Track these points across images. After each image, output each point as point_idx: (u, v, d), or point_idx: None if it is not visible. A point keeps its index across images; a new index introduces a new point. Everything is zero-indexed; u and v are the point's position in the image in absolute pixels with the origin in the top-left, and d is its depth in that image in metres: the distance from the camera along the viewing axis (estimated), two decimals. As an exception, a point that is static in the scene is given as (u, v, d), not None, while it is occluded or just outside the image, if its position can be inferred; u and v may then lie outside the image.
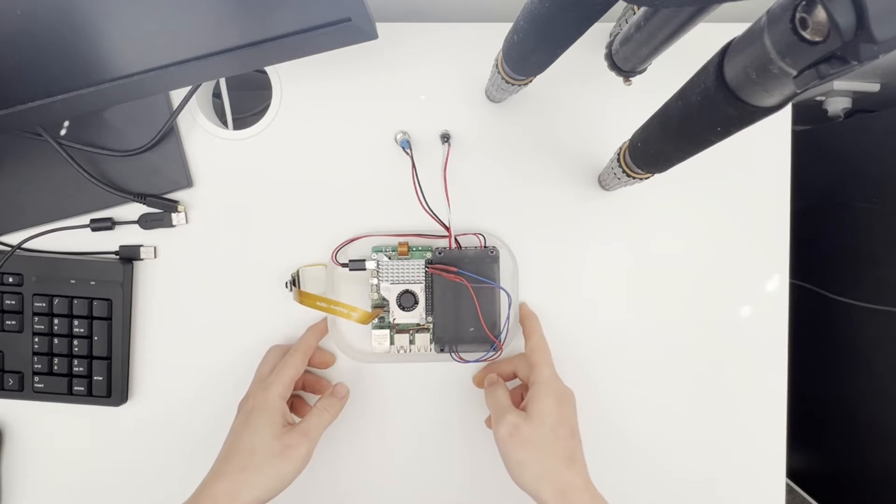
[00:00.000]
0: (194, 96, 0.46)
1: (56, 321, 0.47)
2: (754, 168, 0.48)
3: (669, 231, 0.48)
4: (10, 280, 0.47)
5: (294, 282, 0.47)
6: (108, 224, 0.47)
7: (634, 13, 0.36)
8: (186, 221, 0.48)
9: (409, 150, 0.46)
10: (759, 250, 0.48)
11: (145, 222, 0.47)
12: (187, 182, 0.47)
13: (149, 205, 0.47)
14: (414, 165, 0.45)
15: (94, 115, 0.47)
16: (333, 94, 0.47)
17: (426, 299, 0.46)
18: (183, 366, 0.48)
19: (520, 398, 0.45)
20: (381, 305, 0.47)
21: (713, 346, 0.49)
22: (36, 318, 0.47)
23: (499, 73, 0.38)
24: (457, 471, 0.49)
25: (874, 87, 0.68)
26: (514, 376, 0.47)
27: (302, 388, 0.48)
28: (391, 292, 0.46)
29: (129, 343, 0.48)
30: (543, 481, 0.37)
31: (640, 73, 0.38)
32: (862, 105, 0.72)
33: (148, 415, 0.49)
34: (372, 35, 0.37)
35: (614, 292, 0.48)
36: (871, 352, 0.62)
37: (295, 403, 0.47)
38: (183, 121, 0.47)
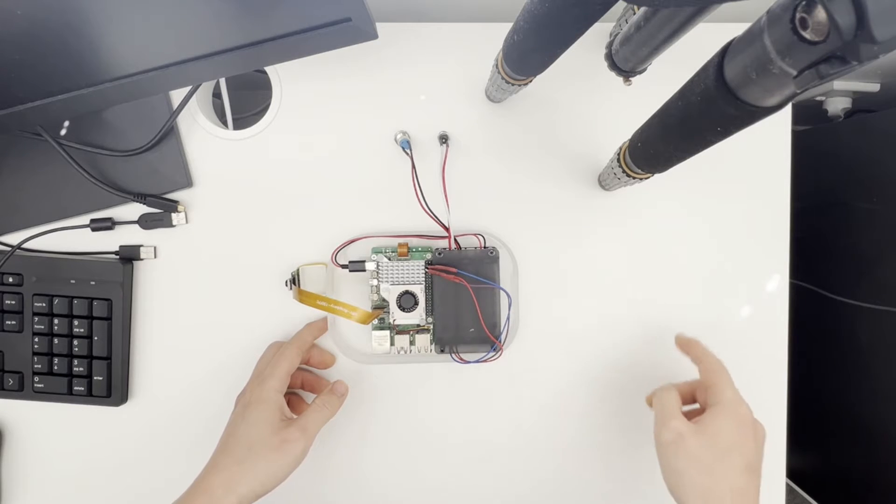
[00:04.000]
0: (194, 96, 0.46)
1: (56, 321, 0.47)
2: (754, 168, 0.48)
3: (669, 231, 0.48)
4: (10, 280, 0.47)
5: (294, 280, 0.47)
6: (108, 224, 0.47)
7: (634, 13, 0.36)
8: (186, 221, 0.48)
9: (408, 151, 0.46)
10: (759, 250, 0.48)
11: (145, 222, 0.47)
12: (187, 182, 0.47)
13: (149, 205, 0.47)
14: (414, 166, 0.45)
15: (94, 115, 0.47)
16: (333, 94, 0.47)
17: (426, 300, 0.46)
18: (183, 366, 0.48)
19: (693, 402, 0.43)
20: (381, 306, 0.47)
21: (713, 346, 0.48)
22: (36, 318, 0.47)
23: (499, 73, 0.38)
24: (458, 472, 0.49)
25: (874, 87, 0.67)
26: (693, 400, 0.43)
27: (301, 387, 0.48)
28: (391, 293, 0.46)
29: (129, 343, 0.48)
30: (701, 502, 0.36)
31: (640, 73, 0.38)
32: (862, 105, 0.71)
33: (148, 415, 0.49)
34: (372, 35, 0.37)
35: (614, 292, 0.48)
36: (871, 352, 0.62)
37: (293, 401, 0.47)
38: (183, 121, 0.47)
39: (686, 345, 0.45)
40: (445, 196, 0.46)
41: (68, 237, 0.48)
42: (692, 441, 0.37)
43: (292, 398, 0.47)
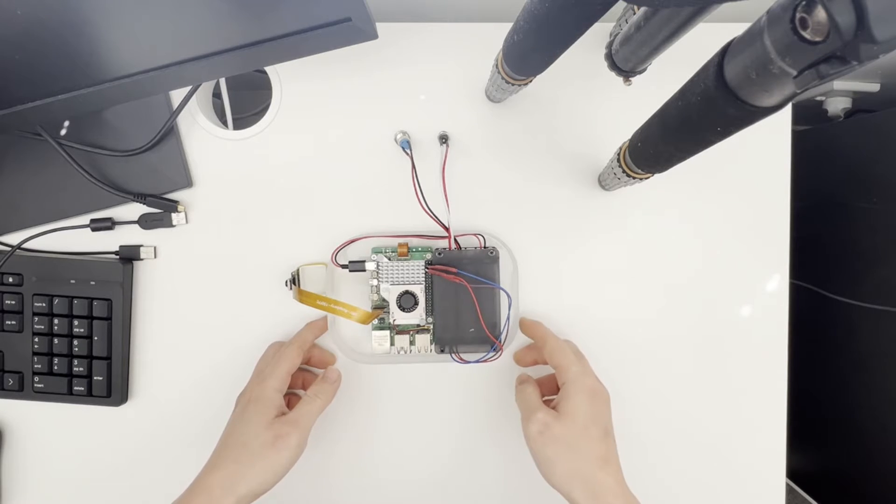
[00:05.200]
0: (194, 96, 0.46)
1: (56, 321, 0.47)
2: (754, 168, 0.48)
3: (669, 231, 0.48)
4: (10, 280, 0.47)
5: (294, 280, 0.47)
6: (108, 224, 0.47)
7: (634, 13, 0.36)
8: (186, 221, 0.48)
9: (408, 151, 0.46)
10: (759, 250, 0.48)
11: (145, 222, 0.47)
12: (187, 182, 0.47)
13: (149, 205, 0.47)
14: (414, 166, 0.45)
15: (94, 115, 0.47)
16: (333, 93, 0.47)
17: (426, 300, 0.46)
18: (183, 366, 0.48)
19: (555, 390, 0.44)
20: (381, 306, 0.47)
21: (713, 346, 0.49)
22: (36, 318, 0.47)
23: (499, 73, 0.38)
24: (458, 471, 0.49)
25: (874, 87, 0.67)
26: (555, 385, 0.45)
27: (302, 387, 0.48)
28: (391, 293, 0.46)
29: (129, 343, 0.48)
30: (575, 481, 0.37)
31: (640, 73, 0.38)
32: (862, 105, 0.71)
33: (148, 415, 0.49)
34: (372, 35, 0.37)
35: (614, 292, 0.48)
36: (871, 352, 0.62)
37: (293, 402, 0.47)
38: (183, 121, 0.47)
39: (530, 328, 0.46)
40: (445, 196, 0.46)
41: (68, 237, 0.48)
42: (556, 427, 0.38)
43: (293, 398, 0.47)
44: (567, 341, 0.47)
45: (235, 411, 0.43)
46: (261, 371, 0.44)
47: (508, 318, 0.46)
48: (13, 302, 0.47)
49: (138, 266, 0.48)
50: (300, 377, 0.47)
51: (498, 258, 0.46)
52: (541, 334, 0.45)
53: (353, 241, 0.47)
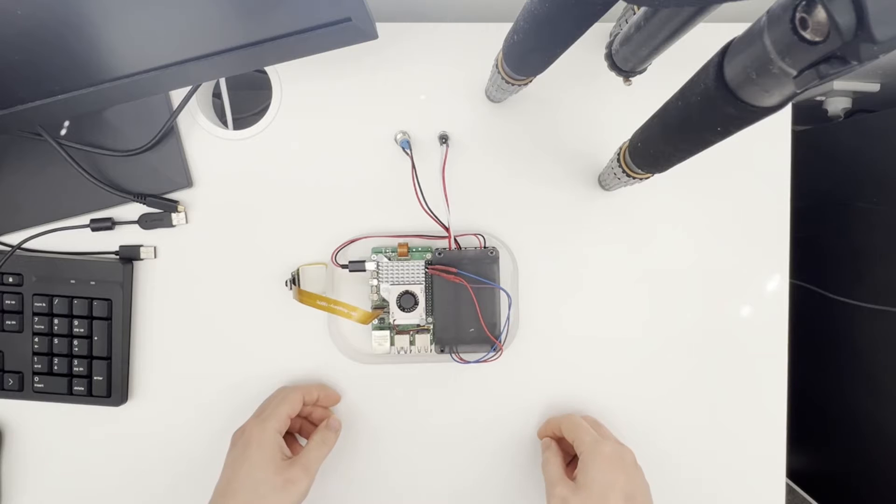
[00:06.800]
0: (194, 96, 0.46)
1: (56, 321, 0.47)
2: (754, 168, 0.48)
3: (669, 231, 0.48)
4: (10, 280, 0.47)
5: (294, 280, 0.47)
6: (108, 224, 0.47)
7: (634, 13, 0.36)
8: (186, 221, 0.48)
9: (408, 151, 0.46)
10: (759, 250, 0.48)
11: (145, 222, 0.47)
12: (187, 182, 0.47)
13: (149, 205, 0.47)
14: (414, 166, 0.45)
15: (94, 115, 0.47)
16: (333, 93, 0.47)
17: (426, 300, 0.46)
18: (183, 366, 0.48)
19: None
20: (381, 306, 0.47)
21: (713, 346, 0.49)
22: (36, 318, 0.47)
23: (499, 73, 0.38)
24: (457, 471, 0.49)
25: (874, 87, 0.67)
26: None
27: (299, 431, 0.47)
28: (391, 293, 0.46)
29: (129, 343, 0.48)
30: None
31: (640, 73, 0.38)
32: (862, 105, 0.71)
33: (148, 415, 0.49)
34: (372, 35, 0.37)
35: (614, 292, 0.48)
36: (871, 352, 0.62)
37: (286, 440, 0.45)
38: (183, 121, 0.47)
39: (544, 430, 0.47)
40: (445, 196, 0.46)
41: (68, 237, 0.48)
42: (574, 501, 0.38)
43: (286, 437, 0.45)
44: (585, 416, 0.47)
45: (235, 452, 0.41)
46: (262, 410, 0.44)
47: (508, 318, 0.46)
48: (13, 302, 0.47)
49: (138, 266, 0.48)
50: (297, 422, 0.47)
51: (498, 258, 0.46)
52: (554, 424, 0.46)
53: (353, 241, 0.47)
